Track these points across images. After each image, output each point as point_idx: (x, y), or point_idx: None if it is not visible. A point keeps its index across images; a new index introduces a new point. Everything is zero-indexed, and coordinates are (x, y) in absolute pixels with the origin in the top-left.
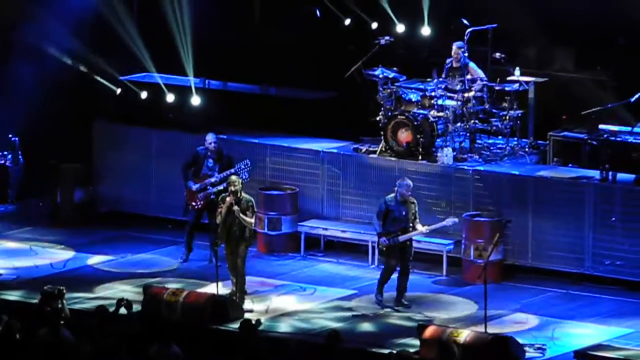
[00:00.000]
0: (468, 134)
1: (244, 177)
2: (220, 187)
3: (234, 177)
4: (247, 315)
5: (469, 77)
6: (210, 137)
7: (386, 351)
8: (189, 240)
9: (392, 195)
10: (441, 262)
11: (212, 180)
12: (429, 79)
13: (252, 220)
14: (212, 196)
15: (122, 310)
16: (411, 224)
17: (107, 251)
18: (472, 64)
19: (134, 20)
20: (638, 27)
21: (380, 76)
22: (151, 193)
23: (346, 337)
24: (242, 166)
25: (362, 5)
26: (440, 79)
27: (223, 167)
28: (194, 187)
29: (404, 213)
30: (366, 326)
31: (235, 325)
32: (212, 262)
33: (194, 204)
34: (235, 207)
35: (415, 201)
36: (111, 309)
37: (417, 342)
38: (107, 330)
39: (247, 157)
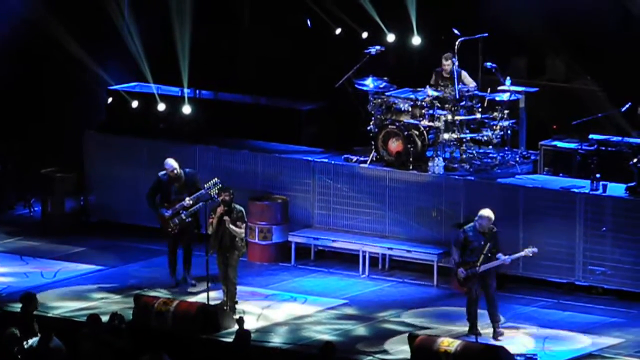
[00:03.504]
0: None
1: (214, 197)
2: (194, 209)
3: (226, 187)
4: (238, 325)
5: (460, 85)
6: (168, 165)
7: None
8: (172, 266)
9: (471, 224)
10: (432, 272)
11: (184, 204)
12: (419, 89)
13: (243, 230)
14: (187, 219)
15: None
16: (490, 254)
17: (98, 261)
18: (464, 73)
19: (127, 29)
20: (628, 36)
21: (371, 86)
22: (142, 203)
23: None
24: (212, 185)
25: (353, 15)
26: (431, 87)
27: (190, 189)
28: (167, 213)
29: (482, 243)
30: (360, 333)
31: (226, 335)
32: (179, 284)
33: (169, 230)
34: (226, 217)
35: (497, 231)
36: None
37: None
38: (98, 339)
39: (237, 168)
